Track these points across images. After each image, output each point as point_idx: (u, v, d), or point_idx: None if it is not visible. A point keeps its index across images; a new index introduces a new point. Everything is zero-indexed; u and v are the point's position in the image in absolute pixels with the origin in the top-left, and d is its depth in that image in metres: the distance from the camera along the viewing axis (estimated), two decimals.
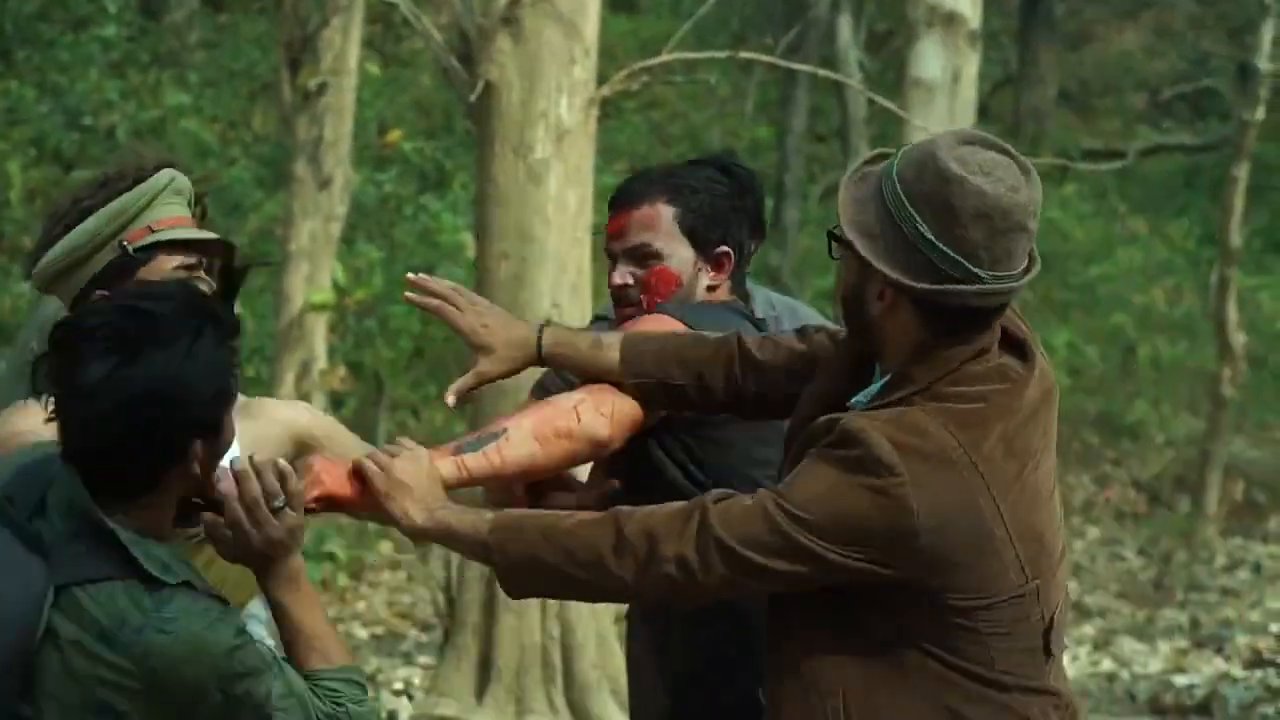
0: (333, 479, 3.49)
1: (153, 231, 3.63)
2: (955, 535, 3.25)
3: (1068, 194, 20.46)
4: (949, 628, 3.30)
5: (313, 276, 13.41)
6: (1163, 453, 17.29)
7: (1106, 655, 11.88)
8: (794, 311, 5.91)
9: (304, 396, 13.37)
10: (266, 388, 14.00)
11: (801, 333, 3.75)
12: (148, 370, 3.02)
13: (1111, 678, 11.33)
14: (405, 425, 16.11)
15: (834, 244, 3.40)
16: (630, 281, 4.04)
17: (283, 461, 3.24)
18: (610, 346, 3.75)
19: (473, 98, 8.99)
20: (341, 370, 14.11)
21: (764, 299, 5.84)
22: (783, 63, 9.45)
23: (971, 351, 3.32)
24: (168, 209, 3.65)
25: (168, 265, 3.61)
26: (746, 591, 3.38)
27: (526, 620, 8.95)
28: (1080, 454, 17.01)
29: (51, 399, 3.08)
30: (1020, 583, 3.32)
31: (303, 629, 3.19)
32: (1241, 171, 15.65)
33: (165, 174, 3.71)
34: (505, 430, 3.64)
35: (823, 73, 10.45)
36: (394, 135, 17.86)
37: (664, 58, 9.12)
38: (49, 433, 3.13)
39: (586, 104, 9.00)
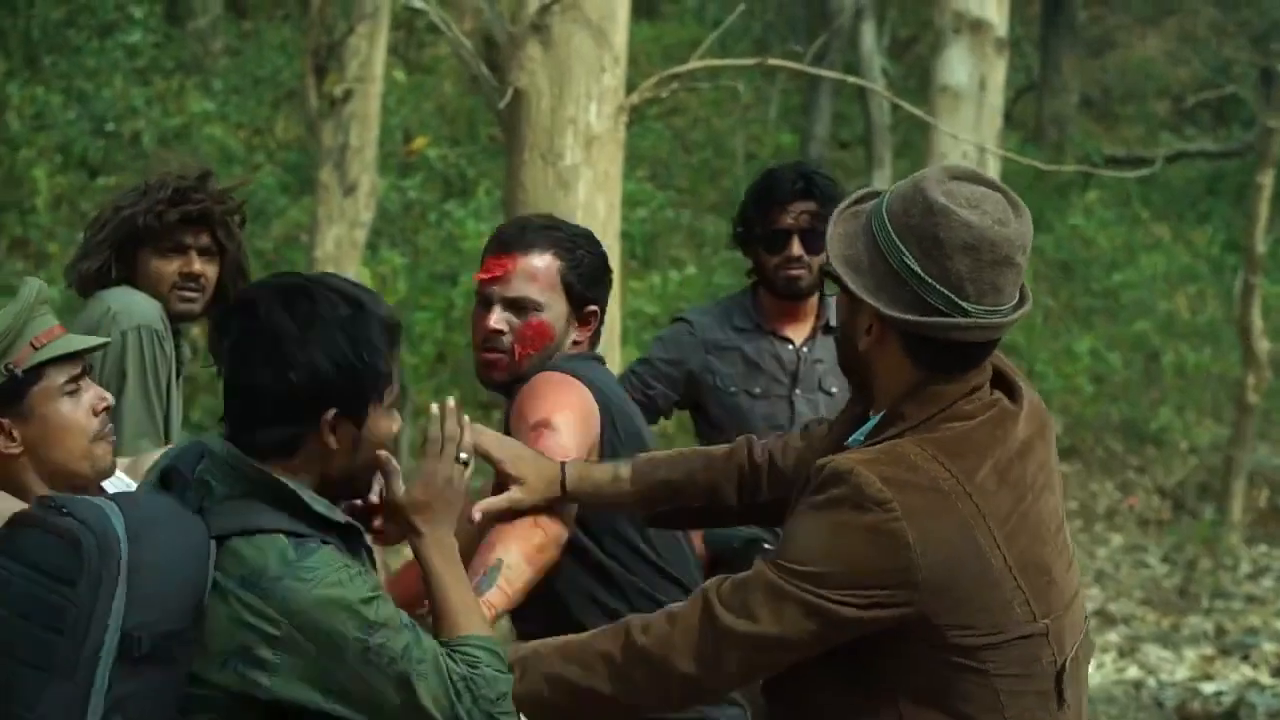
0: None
1: (35, 349, 3.62)
2: (953, 566, 3.20)
3: (1090, 201, 20.45)
4: (956, 672, 3.24)
5: None
6: (1187, 460, 17.27)
7: (1132, 663, 11.87)
8: None
9: None
10: None
11: (805, 429, 3.75)
12: (318, 334, 3.18)
13: (1138, 685, 11.32)
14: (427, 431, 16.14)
15: (826, 279, 3.40)
16: (505, 329, 4.12)
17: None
18: (624, 479, 3.81)
19: (502, 105, 9.00)
20: None
21: None
22: (811, 70, 9.43)
23: (963, 389, 3.29)
24: (42, 321, 3.64)
25: (59, 380, 3.63)
26: (766, 669, 3.33)
27: None
28: (1104, 461, 17.00)
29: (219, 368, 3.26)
30: (1027, 619, 3.26)
31: (451, 599, 3.29)
32: (1266, 178, 15.64)
33: (31, 285, 3.71)
34: (500, 561, 3.74)
35: (851, 79, 10.46)
36: (420, 142, 17.90)
37: (693, 65, 9.12)
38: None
39: (616, 111, 9.01)
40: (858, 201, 3.39)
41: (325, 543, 3.19)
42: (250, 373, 3.19)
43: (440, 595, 3.30)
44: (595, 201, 9.03)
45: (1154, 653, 12.08)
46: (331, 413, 3.21)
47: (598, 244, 4.24)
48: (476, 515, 3.78)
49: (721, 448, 3.79)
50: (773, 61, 9.12)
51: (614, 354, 9.28)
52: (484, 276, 4.14)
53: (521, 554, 3.74)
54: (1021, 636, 3.26)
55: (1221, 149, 22.35)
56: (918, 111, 10.13)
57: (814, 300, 5.78)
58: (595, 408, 4.06)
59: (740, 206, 5.83)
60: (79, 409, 3.63)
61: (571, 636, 3.41)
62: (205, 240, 5.00)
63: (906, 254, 3.23)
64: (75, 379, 3.64)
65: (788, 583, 3.22)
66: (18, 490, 3.58)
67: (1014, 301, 3.28)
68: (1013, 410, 3.31)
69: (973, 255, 3.21)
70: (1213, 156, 22.37)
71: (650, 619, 3.33)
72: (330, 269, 13.34)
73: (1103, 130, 23.15)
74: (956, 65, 11.01)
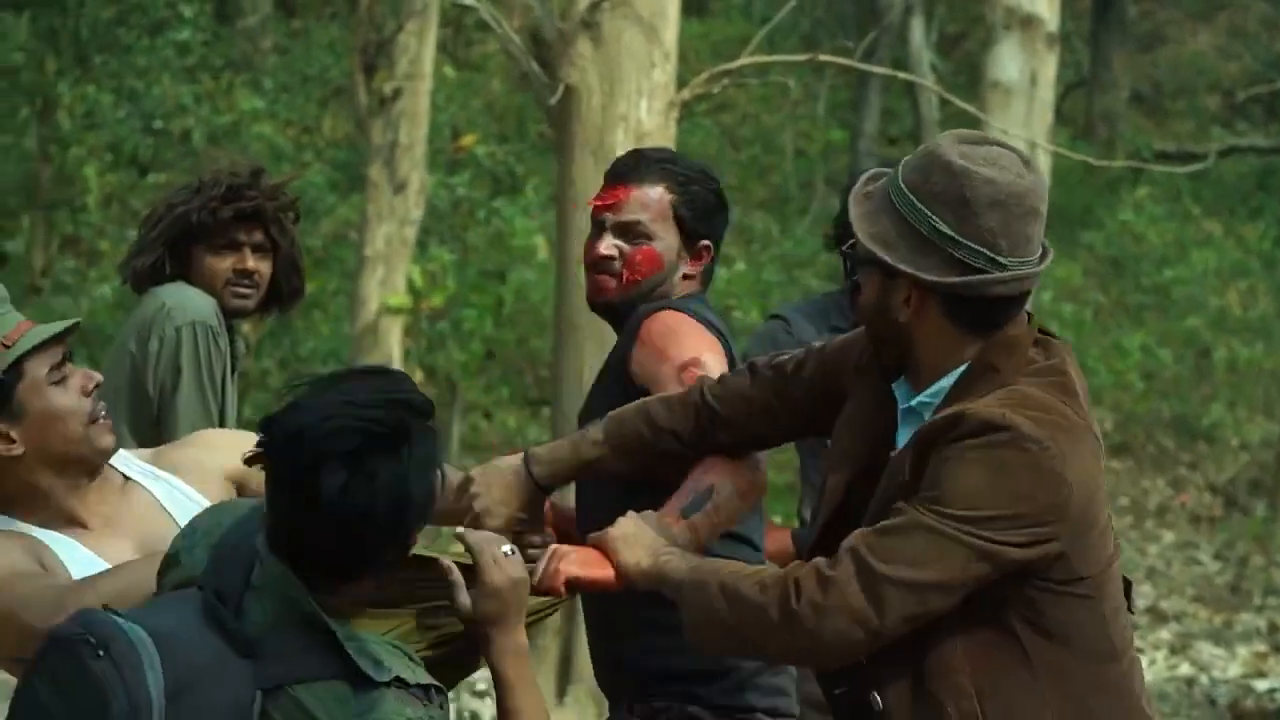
0: (583, 562, 3.50)
1: (7, 348, 3.53)
2: (1090, 498, 3.29)
3: (1141, 197, 20.36)
4: (1075, 600, 3.31)
5: (387, 280, 13.47)
6: (1238, 456, 17.19)
7: (1184, 660, 11.82)
8: None
9: None
10: None
11: (752, 370, 3.72)
12: (383, 481, 2.98)
13: (1190, 682, 11.27)
14: (478, 428, 16.16)
15: (848, 263, 3.41)
16: (615, 254, 4.14)
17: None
18: (590, 438, 3.76)
19: (552, 101, 9.01)
20: (416, 374, 14.16)
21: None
22: (861, 66, 9.42)
23: (1030, 337, 3.36)
24: (7, 320, 3.54)
25: (42, 372, 3.52)
26: (924, 617, 3.31)
27: None
28: (1155, 458, 16.93)
29: (270, 510, 3.05)
30: (1112, 542, 3.38)
31: (523, 710, 3.18)
32: None
33: None
34: (713, 488, 3.66)
35: (902, 75, 10.43)
36: (469, 139, 17.92)
37: (744, 61, 9.12)
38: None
39: (666, 107, 9.01)
40: (869, 182, 3.42)
41: (388, 684, 2.99)
42: (363, 526, 2.98)
43: (510, 705, 3.19)
44: None
45: (1206, 650, 12.03)
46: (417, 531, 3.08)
47: (713, 179, 4.25)
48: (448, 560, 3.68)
49: (677, 394, 3.77)
50: (823, 57, 9.12)
51: None
52: (597, 203, 4.18)
53: (735, 487, 3.67)
54: (1111, 559, 3.36)
55: (1273, 144, 22.22)
56: (968, 107, 10.11)
57: None
58: (725, 357, 4.06)
59: (841, 209, 5.81)
60: (69, 395, 3.53)
61: (740, 570, 3.39)
62: (259, 237, 5.00)
63: (935, 218, 3.28)
64: (58, 366, 3.53)
65: (951, 527, 3.24)
66: (30, 490, 3.53)
67: (1040, 252, 3.34)
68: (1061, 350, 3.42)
69: (1002, 210, 3.27)
70: (1264, 152, 22.24)
71: (794, 578, 3.30)
72: (380, 266, 13.37)
73: (1153, 126, 23.04)
74: (1007, 61, 10.98)
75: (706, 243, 4.20)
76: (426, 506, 3.05)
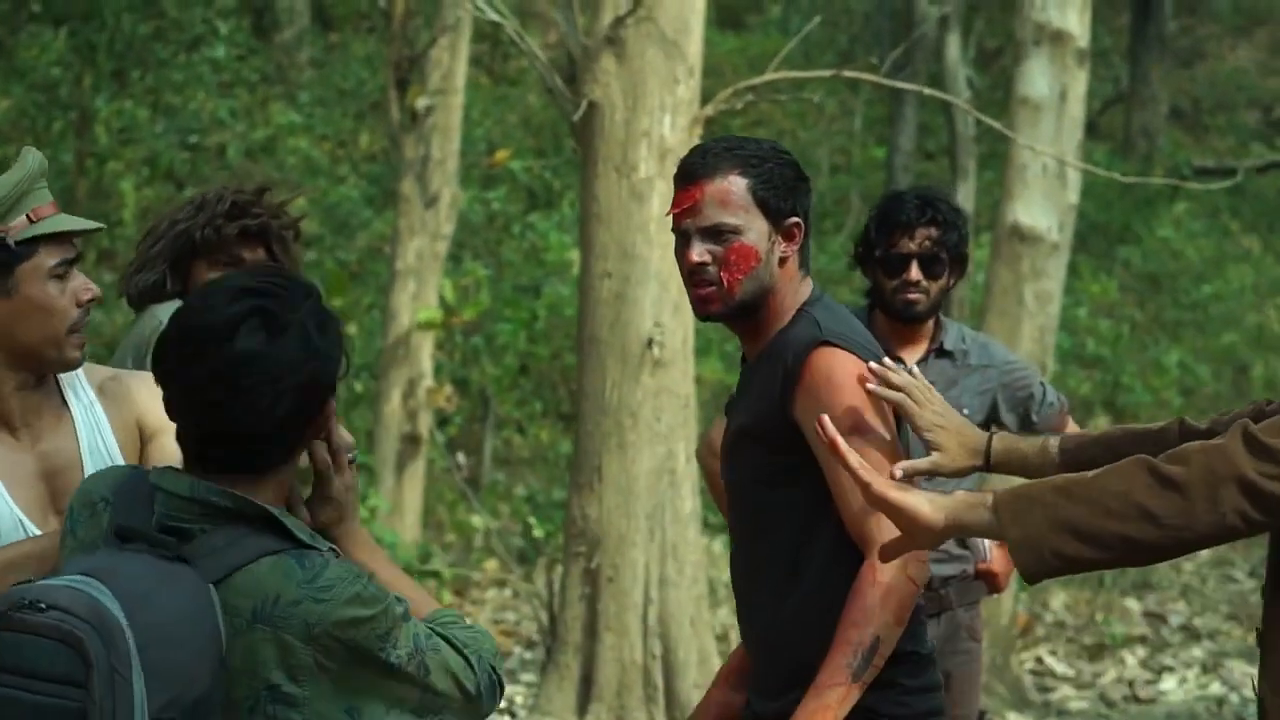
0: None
1: (32, 222, 3.45)
2: None
3: (1179, 212, 20.28)
4: None
5: (419, 294, 13.48)
6: None
7: (1215, 679, 11.75)
8: (985, 348, 5.94)
9: (410, 414, 13.43)
10: (373, 404, 14.07)
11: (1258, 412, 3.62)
12: (296, 345, 2.98)
13: (1221, 702, 11.20)
14: (510, 442, 16.16)
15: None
16: (709, 260, 3.97)
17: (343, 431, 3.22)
18: (1053, 451, 3.76)
19: (576, 117, 9.00)
20: (448, 388, 14.16)
21: (956, 333, 5.88)
22: (887, 81, 9.39)
23: None
24: (41, 195, 3.45)
25: (50, 262, 3.46)
26: None
27: (628, 639, 8.95)
28: None
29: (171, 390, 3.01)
30: None
31: (392, 587, 3.15)
32: None
33: (32, 155, 3.50)
34: (878, 640, 3.76)
35: (928, 91, 10.39)
36: (502, 155, 17.93)
37: (768, 76, 9.09)
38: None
39: (690, 123, 8.99)
40: None
41: (323, 553, 3.03)
42: (242, 403, 2.95)
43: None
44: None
45: (1238, 668, 11.95)
46: (315, 425, 3.07)
47: (786, 153, 4.07)
48: (898, 473, 3.70)
49: (1152, 428, 3.71)
50: (848, 73, 9.08)
51: (689, 366, 9.27)
52: (675, 210, 4.01)
53: (895, 619, 3.77)
54: None
55: None
56: (995, 124, 10.07)
57: (930, 324, 5.82)
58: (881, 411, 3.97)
59: (864, 228, 5.82)
60: (64, 295, 3.45)
61: (1062, 477, 3.33)
62: (261, 254, 5.00)
63: None
64: (68, 263, 3.45)
65: None
66: None
67: None
68: None
69: None
70: None
71: (1168, 452, 3.23)
72: (411, 281, 13.39)
73: (1192, 141, 22.96)
74: (1037, 77, 10.93)
75: (795, 219, 4.03)
76: (333, 365, 3.03)
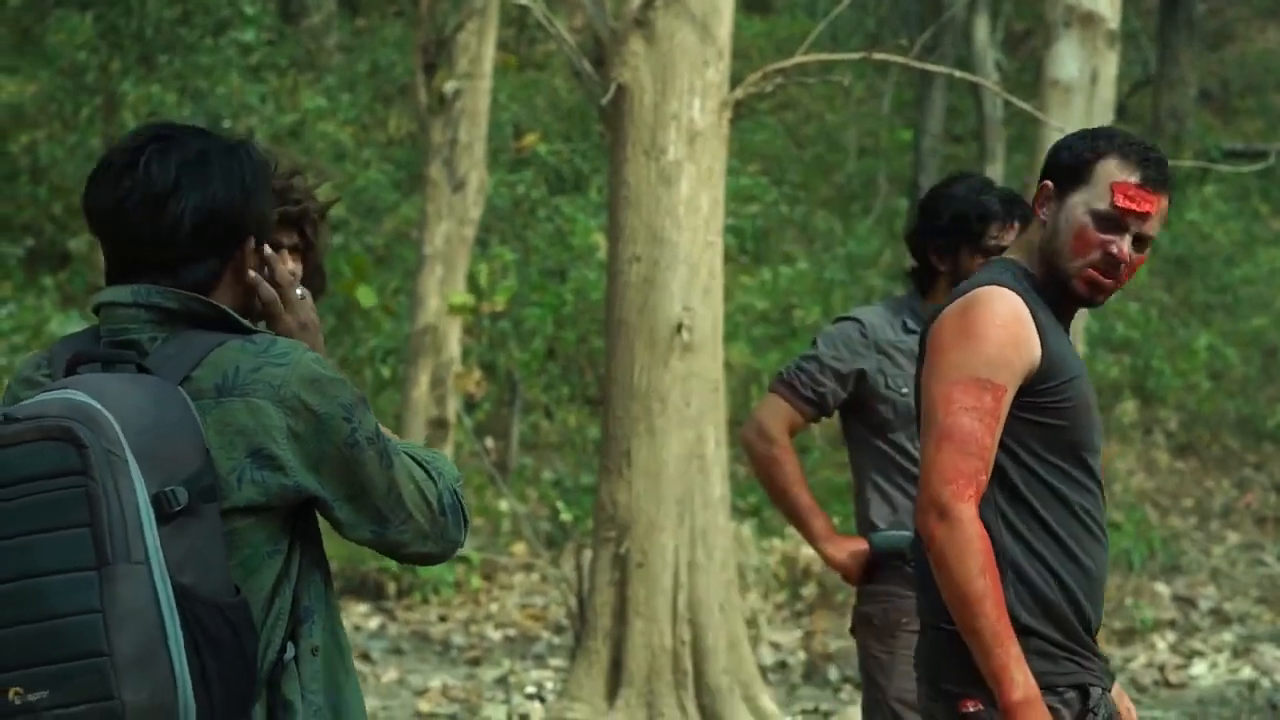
0: None
1: None
2: None
3: (1208, 195, 20.21)
4: None
5: (447, 278, 13.48)
6: None
7: (1246, 663, 11.71)
8: None
9: (438, 398, 13.43)
10: (400, 388, 14.07)
11: None
12: (215, 170, 3.05)
13: (1252, 686, 11.16)
14: (538, 426, 16.15)
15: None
16: (1126, 259, 4.02)
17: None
18: None
19: (604, 100, 8.97)
20: (476, 372, 14.16)
21: None
22: (915, 64, 9.34)
23: None
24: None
25: None
26: None
27: (657, 625, 8.93)
28: (1220, 458, 16.79)
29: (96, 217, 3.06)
30: None
31: None
32: None
33: None
34: None
35: (957, 73, 10.34)
36: (530, 139, 17.91)
37: (796, 59, 9.05)
38: None
39: (719, 106, 8.95)
40: None
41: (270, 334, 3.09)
42: (173, 206, 3.01)
43: None
44: (698, 197, 8.98)
45: (1269, 653, 11.91)
46: (251, 240, 3.10)
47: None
48: None
49: None
50: (876, 55, 9.04)
51: (718, 350, 9.24)
52: (1133, 207, 4.02)
53: None
54: None
55: None
56: (1026, 106, 10.03)
57: None
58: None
59: (944, 217, 5.64)
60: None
61: None
62: (295, 239, 4.98)
63: None
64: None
65: None
66: None
67: None
68: None
69: None
70: None
71: None
72: (439, 265, 13.38)
73: (1221, 124, 22.87)
74: (1067, 59, 10.88)
75: None
76: (264, 172, 3.12)
